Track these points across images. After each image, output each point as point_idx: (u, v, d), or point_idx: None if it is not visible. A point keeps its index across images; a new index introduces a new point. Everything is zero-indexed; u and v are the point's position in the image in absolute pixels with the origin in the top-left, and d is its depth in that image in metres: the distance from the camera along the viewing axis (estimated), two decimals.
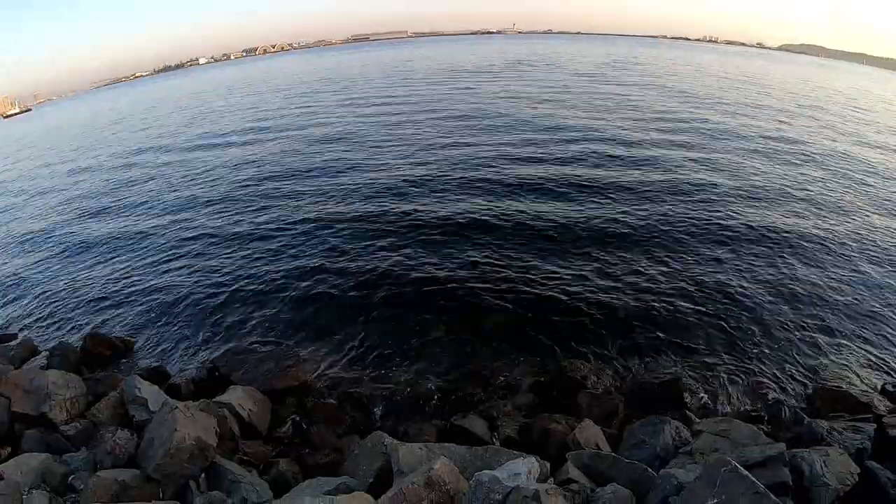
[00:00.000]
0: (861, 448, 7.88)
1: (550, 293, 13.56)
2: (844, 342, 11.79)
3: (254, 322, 13.30)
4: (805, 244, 16.71)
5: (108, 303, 15.24)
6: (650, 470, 6.68)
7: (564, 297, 13.37)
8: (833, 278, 14.55)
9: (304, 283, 14.86)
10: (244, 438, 9.04)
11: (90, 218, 23.44)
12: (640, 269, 14.81)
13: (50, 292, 16.39)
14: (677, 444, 7.85)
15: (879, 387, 10.24)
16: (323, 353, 11.96)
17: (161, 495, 7.14)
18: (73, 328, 14.13)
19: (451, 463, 5.83)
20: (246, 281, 15.39)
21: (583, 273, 14.55)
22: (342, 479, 6.90)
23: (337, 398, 10.52)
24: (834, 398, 9.67)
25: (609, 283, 14.08)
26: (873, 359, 11.29)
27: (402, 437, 8.58)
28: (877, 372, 10.88)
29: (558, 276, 14.43)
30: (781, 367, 11.00)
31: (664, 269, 14.84)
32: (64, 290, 16.43)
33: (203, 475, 7.49)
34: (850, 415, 9.02)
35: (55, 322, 14.59)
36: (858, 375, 10.76)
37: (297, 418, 9.87)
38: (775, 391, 10.32)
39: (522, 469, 5.63)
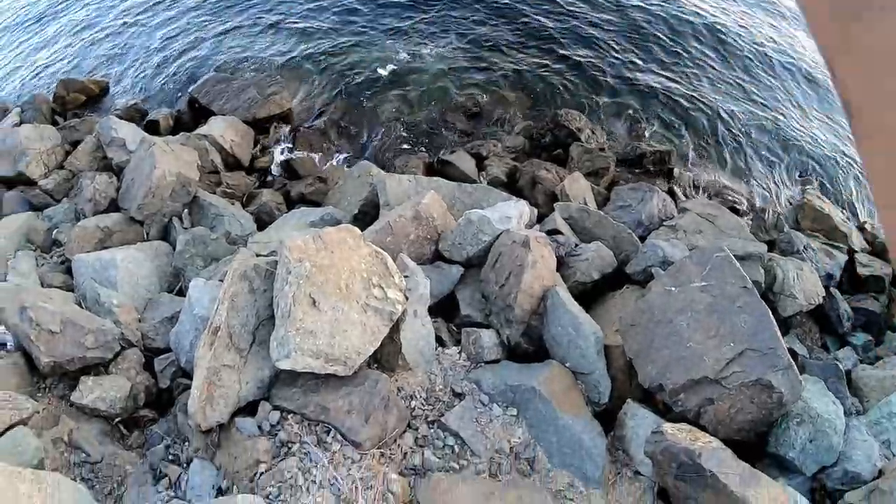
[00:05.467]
0: (830, 274, 7.90)
1: (558, 35, 12.24)
2: (839, 169, 11.31)
3: (233, 48, 12.14)
4: None
5: (77, 45, 13.55)
6: (634, 235, 6.47)
7: (572, 43, 12.12)
8: None
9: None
10: (227, 171, 8.83)
11: None
12: (656, 32, 13.13)
13: (16, 43, 14.39)
14: (662, 217, 7.66)
15: (859, 223, 10.08)
16: (307, 77, 11.10)
17: (146, 236, 6.93)
18: (44, 77, 12.72)
19: (439, 197, 5.43)
20: (222, 6, 13.58)
21: (594, 20, 12.92)
22: (326, 210, 6.62)
23: (321, 126, 10.07)
24: (816, 217, 9.53)
25: (623, 39, 12.58)
26: (862, 194, 10.97)
27: (389, 169, 8.28)
28: (860, 206, 10.64)
29: (571, 15, 12.87)
30: (776, 170, 10.57)
31: (681, 39, 13.19)
32: (31, 38, 14.41)
33: (186, 211, 7.21)
34: (827, 238, 8.98)
35: (26, 73, 13.10)
36: (843, 203, 10.50)
37: (281, 147, 9.65)
38: (764, 190, 10.07)
39: (514, 212, 5.25)
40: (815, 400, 4.66)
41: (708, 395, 4.37)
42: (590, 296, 5.69)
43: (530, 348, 4.91)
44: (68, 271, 6.41)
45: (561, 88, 11.01)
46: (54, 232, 7.31)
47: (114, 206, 7.42)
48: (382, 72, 11.11)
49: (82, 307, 5.55)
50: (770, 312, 4.61)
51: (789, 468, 4.50)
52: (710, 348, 4.52)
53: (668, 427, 4.05)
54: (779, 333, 4.48)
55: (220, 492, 4.12)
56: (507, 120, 10.15)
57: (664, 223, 7.54)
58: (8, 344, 5.42)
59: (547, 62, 11.60)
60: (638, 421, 4.51)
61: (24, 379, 4.94)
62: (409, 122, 10.07)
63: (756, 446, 4.56)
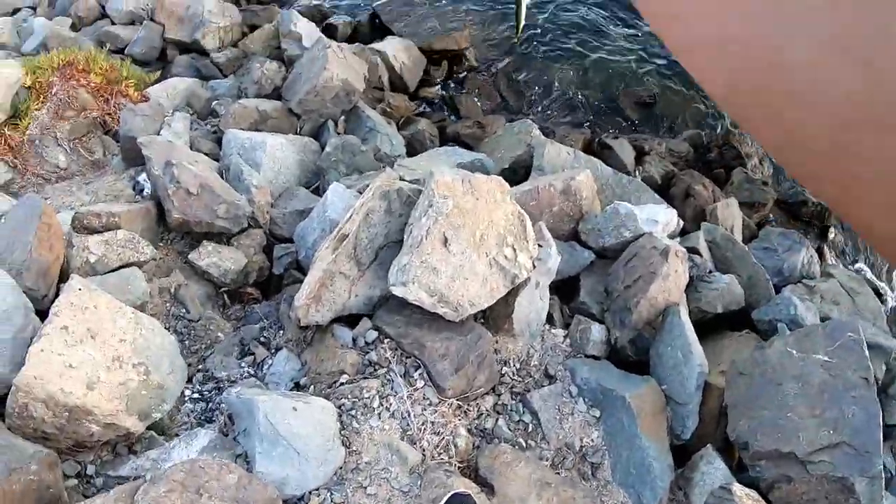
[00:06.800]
0: None
1: None
2: None
3: None
4: None
5: None
6: (771, 283, 6.04)
7: None
8: None
9: None
10: (391, 90, 8.94)
11: None
12: None
13: None
14: (803, 273, 7.08)
15: None
16: (492, 26, 10.86)
17: (298, 130, 7.16)
18: None
19: (592, 179, 5.28)
20: None
21: None
22: (477, 156, 6.54)
23: (493, 73, 10.03)
24: None
25: None
26: None
27: (549, 135, 7.99)
28: None
29: None
30: None
31: None
32: None
33: (343, 117, 7.40)
34: None
35: None
36: None
37: (449, 83, 9.76)
38: None
39: (662, 217, 5.02)
40: None
41: (789, 472, 4.02)
42: (705, 327, 5.38)
43: (633, 357, 4.74)
44: (218, 141, 6.73)
45: None
46: (214, 103, 7.69)
47: (276, 94, 7.69)
48: (567, 48, 10.76)
49: (223, 178, 5.82)
50: (881, 416, 4.19)
51: None
52: (808, 427, 4.14)
53: (738, 489, 3.75)
54: (881, 441, 4.06)
55: (298, 387, 4.25)
56: (677, 121, 9.73)
57: (803, 280, 7.00)
58: (145, 190, 5.79)
59: None
60: (711, 469, 4.23)
61: (150, 227, 5.27)
62: (581, 95, 9.82)
63: None
